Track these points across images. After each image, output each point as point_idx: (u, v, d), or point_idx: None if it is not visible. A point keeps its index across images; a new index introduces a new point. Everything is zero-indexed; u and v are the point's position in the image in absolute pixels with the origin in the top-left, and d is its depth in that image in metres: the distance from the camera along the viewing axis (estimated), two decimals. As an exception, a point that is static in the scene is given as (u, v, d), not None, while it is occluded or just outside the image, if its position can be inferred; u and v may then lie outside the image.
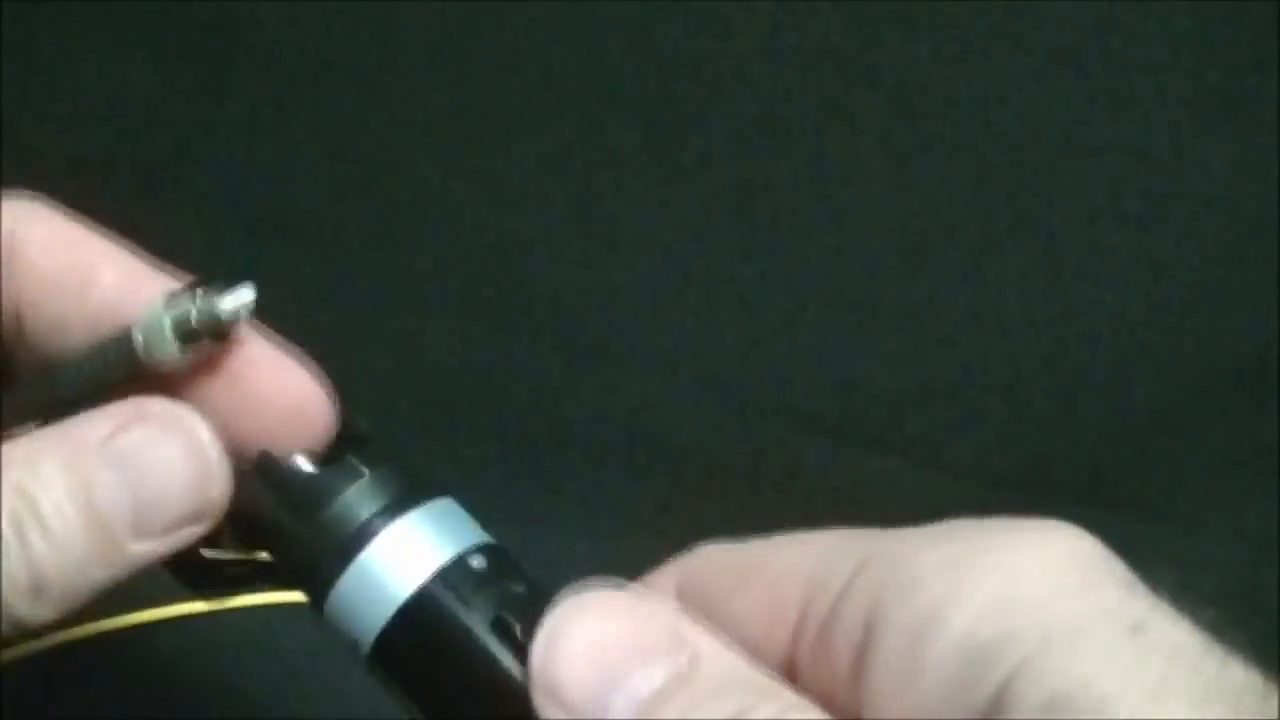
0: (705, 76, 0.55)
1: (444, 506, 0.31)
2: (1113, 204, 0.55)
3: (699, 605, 0.29)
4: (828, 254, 0.57)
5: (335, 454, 0.31)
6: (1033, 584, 0.25)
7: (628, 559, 0.59)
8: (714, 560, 0.31)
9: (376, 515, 0.30)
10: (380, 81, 0.57)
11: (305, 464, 0.30)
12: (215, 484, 0.29)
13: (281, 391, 0.31)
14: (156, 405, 0.29)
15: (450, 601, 0.29)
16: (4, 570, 0.27)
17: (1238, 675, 0.24)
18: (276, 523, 0.30)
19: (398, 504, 0.30)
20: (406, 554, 0.29)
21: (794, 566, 0.29)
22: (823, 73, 0.55)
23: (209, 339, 0.30)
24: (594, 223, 0.58)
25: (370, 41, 0.56)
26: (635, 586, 0.30)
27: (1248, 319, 0.56)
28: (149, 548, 0.28)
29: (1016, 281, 0.56)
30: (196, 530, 0.29)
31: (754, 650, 0.28)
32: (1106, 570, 0.26)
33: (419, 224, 0.59)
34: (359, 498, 0.30)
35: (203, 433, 0.29)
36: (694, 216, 0.57)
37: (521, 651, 0.28)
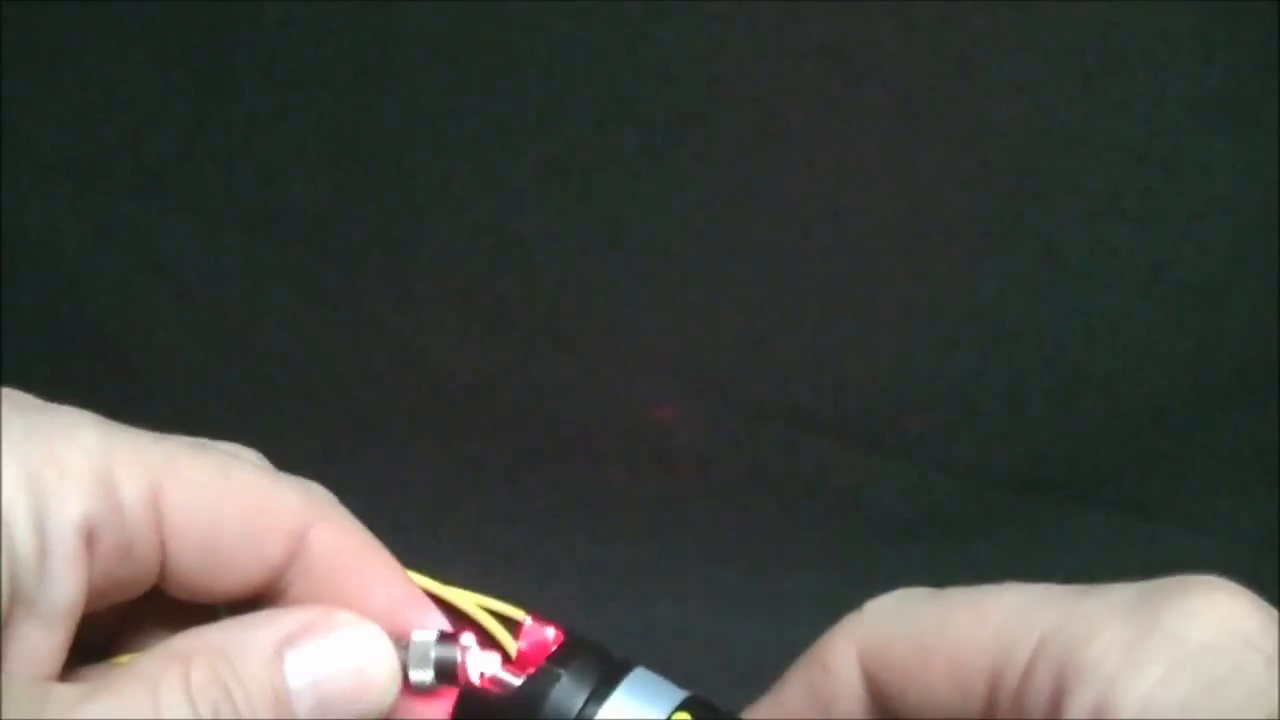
0: (705, 76, 0.55)
1: (639, 676, 0.33)
2: (1113, 204, 0.55)
3: (883, 673, 0.33)
4: (828, 254, 0.57)
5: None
6: (1189, 679, 0.28)
7: (628, 559, 0.59)
8: (892, 627, 0.34)
9: (588, 703, 0.32)
10: (380, 81, 0.57)
11: (509, 679, 0.33)
12: (389, 688, 0.32)
13: None
14: (343, 615, 0.32)
15: None
16: None
17: None
18: None
19: (601, 688, 0.33)
20: None
21: (974, 643, 0.32)
22: (823, 73, 0.55)
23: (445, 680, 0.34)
24: (594, 223, 0.58)
25: (370, 41, 0.56)
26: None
27: (1248, 319, 0.56)
28: None
29: (1016, 281, 0.56)
30: None
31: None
32: (1258, 648, 0.28)
33: (419, 224, 0.59)
34: (566, 693, 0.33)
35: (381, 645, 0.32)
36: (694, 216, 0.57)
37: None
